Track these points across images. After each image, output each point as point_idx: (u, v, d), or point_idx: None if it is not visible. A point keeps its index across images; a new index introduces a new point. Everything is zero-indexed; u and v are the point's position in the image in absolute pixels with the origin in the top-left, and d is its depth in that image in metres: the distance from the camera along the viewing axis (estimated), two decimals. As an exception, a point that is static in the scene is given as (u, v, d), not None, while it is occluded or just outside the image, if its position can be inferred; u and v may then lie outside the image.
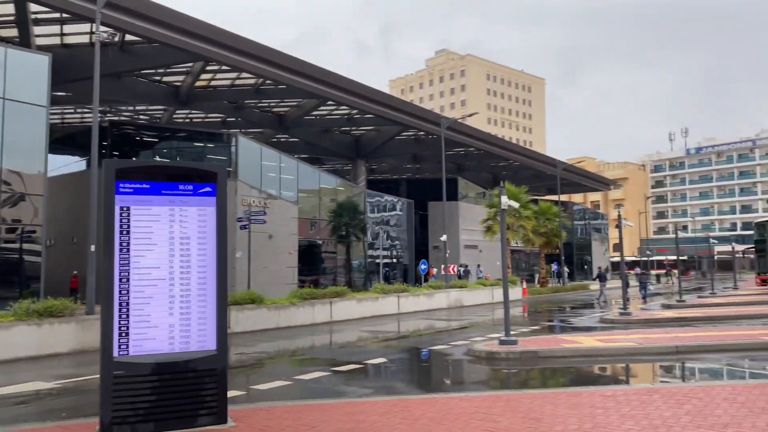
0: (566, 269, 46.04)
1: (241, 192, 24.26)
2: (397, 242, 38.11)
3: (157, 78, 28.54)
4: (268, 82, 28.27)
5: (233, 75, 27.94)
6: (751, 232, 56.27)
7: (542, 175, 51.09)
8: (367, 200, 35.32)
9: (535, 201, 42.07)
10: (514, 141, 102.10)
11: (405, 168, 50.39)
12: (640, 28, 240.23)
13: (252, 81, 28.73)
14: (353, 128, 37.98)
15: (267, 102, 32.75)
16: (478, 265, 39.13)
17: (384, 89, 62.87)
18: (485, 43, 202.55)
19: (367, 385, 9.84)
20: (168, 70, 27.36)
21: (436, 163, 44.84)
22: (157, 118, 34.52)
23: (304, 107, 33.18)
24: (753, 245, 43.69)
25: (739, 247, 53.99)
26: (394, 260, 37.48)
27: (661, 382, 10.33)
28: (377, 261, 33.11)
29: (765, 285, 36.44)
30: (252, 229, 21.97)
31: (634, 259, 68.88)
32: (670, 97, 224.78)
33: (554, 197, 49.86)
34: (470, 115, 40.19)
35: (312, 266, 30.40)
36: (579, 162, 66.66)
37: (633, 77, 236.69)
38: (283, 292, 21.72)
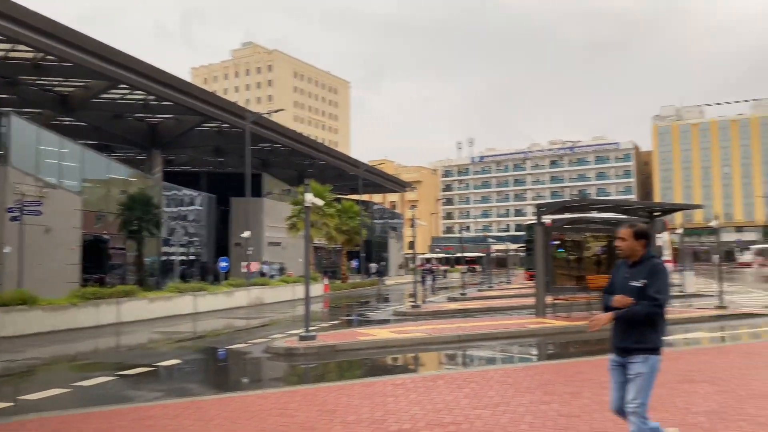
0: (375, 265, 47.83)
1: (12, 179, 21.30)
2: (195, 239, 36.49)
3: None
4: (50, 57, 25.25)
5: (6, 46, 24.48)
6: (523, 233, 63.65)
7: (346, 175, 52.64)
8: (163, 193, 33.26)
9: (339, 200, 43.22)
10: (320, 140, 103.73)
11: (206, 161, 48.42)
12: (437, 43, 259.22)
13: (30, 55, 25.45)
14: (149, 115, 35.52)
15: (48, 80, 29.22)
16: (277, 263, 38.98)
17: (186, 77, 59.73)
18: (293, 40, 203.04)
19: (158, 389, 9.29)
20: None
21: (240, 158, 43.73)
22: None
23: (92, 89, 30.18)
24: (523, 244, 49.64)
25: (512, 246, 60.90)
26: (192, 258, 35.84)
27: (446, 369, 11.25)
28: (173, 258, 31.38)
29: (532, 279, 41.53)
30: (26, 221, 19.44)
31: (439, 256, 73.71)
32: (459, 108, 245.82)
33: (356, 197, 51.68)
34: (276, 111, 39.88)
35: (98, 263, 27.75)
36: (379, 164, 69.93)
37: (430, 88, 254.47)
38: (63, 292, 19.52)
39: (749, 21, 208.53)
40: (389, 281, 43.10)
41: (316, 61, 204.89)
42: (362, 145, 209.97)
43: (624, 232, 4.32)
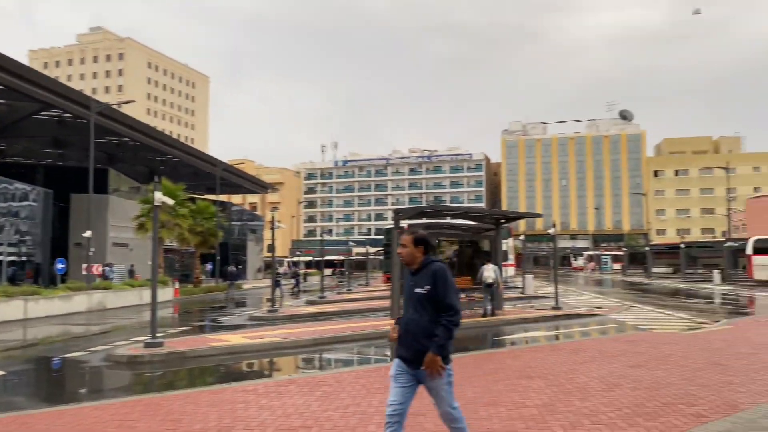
0: (232, 268, 46.22)
1: None
2: (28, 237, 33.05)
3: None
4: None
5: None
6: (382, 237, 65.19)
7: (202, 174, 50.55)
8: (-9, 186, 29.82)
9: (193, 199, 41.40)
10: (175, 136, 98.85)
11: (44, 153, 44.10)
12: (300, 43, 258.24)
13: None
14: (-23, 99, 31.66)
15: None
16: (126, 265, 36.52)
17: (23, 60, 54.05)
18: (148, 30, 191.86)
19: (-25, 405, 8.27)
20: None
21: (83, 151, 40.37)
22: None
23: None
24: (382, 248, 50.87)
25: (372, 250, 62.11)
26: (24, 258, 32.44)
27: (300, 373, 11.18)
28: (0, 259, 28.20)
29: (389, 282, 42.67)
30: None
31: (306, 259, 72.97)
32: (324, 111, 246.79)
33: (213, 197, 49.83)
34: (126, 103, 37.39)
35: None
36: (239, 164, 68.10)
37: (294, 88, 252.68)
38: None
39: (589, 47, 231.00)
40: (246, 285, 41.96)
41: (173, 52, 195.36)
42: (222, 143, 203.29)
43: (405, 238, 4.29)
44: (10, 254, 29.93)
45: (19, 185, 32.67)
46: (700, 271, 54.94)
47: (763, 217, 78.35)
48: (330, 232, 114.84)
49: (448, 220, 26.78)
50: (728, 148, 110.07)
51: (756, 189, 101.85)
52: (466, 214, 19.64)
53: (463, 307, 19.28)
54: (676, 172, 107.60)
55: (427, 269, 4.22)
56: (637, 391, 7.58)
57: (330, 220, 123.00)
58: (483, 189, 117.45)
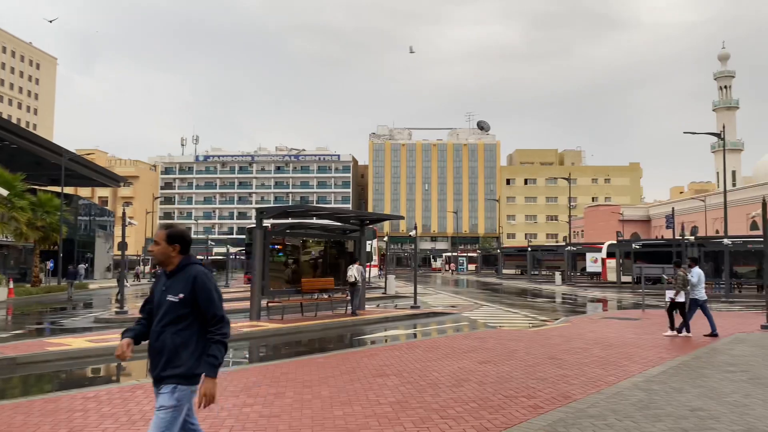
0: (83, 266, 42.55)
1: None
2: None
3: None
4: None
5: None
6: (244, 236, 63.56)
7: (45, 163, 46.11)
8: None
9: (34, 191, 37.70)
10: (14, 120, 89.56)
11: None
12: (162, 31, 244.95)
13: None
14: None
15: None
16: None
17: None
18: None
19: None
20: None
21: None
22: None
23: None
24: (244, 248, 49.62)
25: (234, 250, 60.41)
26: None
27: (148, 378, 10.53)
28: None
29: (250, 282, 41.74)
30: None
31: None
32: (184, 104, 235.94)
33: (57, 189, 45.72)
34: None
35: None
36: (89, 154, 63.20)
37: (152, 78, 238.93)
38: None
39: (453, 59, 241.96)
40: (94, 285, 38.87)
41: (14, 29, 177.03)
42: (70, 132, 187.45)
43: (158, 234, 3.71)
44: None
45: None
46: (544, 272, 59.70)
47: (598, 224, 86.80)
48: (189, 230, 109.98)
49: (314, 221, 26.76)
50: (571, 161, 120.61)
51: (594, 198, 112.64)
52: (332, 214, 19.72)
53: (326, 308, 19.41)
54: (526, 181, 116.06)
55: (185, 273, 3.63)
56: (484, 386, 8.04)
57: (189, 217, 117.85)
58: (350, 190, 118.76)
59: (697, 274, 13.60)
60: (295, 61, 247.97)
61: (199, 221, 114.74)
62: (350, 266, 19.69)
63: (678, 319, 13.90)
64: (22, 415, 6.50)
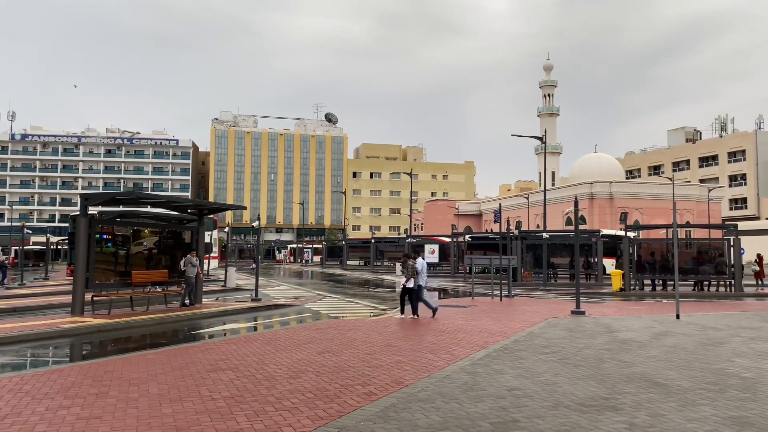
0: None
1: None
2: None
3: None
4: None
5: None
6: (68, 224, 58.15)
7: None
8: None
9: None
10: None
11: None
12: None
13: None
14: None
15: None
16: None
17: None
18: None
19: None
20: None
21: None
22: None
23: None
24: (67, 237, 45.33)
25: (55, 239, 55.00)
26: None
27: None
28: None
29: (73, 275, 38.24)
30: None
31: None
32: None
33: None
34: None
35: None
36: None
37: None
38: None
39: (301, 50, 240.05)
40: None
41: None
42: None
43: None
44: None
45: None
46: (386, 263, 61.70)
47: (436, 218, 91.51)
48: (1, 216, 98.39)
49: (148, 209, 25.15)
50: (413, 157, 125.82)
51: (433, 193, 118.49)
52: (167, 203, 18.61)
53: (159, 302, 18.39)
54: (371, 175, 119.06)
55: None
56: (321, 376, 8.11)
57: (2, 202, 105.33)
58: (189, 178, 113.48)
59: (420, 264, 15.75)
60: (131, 38, 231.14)
61: (14, 207, 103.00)
62: (184, 258, 18.91)
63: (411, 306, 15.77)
64: None
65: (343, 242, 72.63)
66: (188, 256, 18.98)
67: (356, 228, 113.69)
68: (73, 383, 7.68)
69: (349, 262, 65.39)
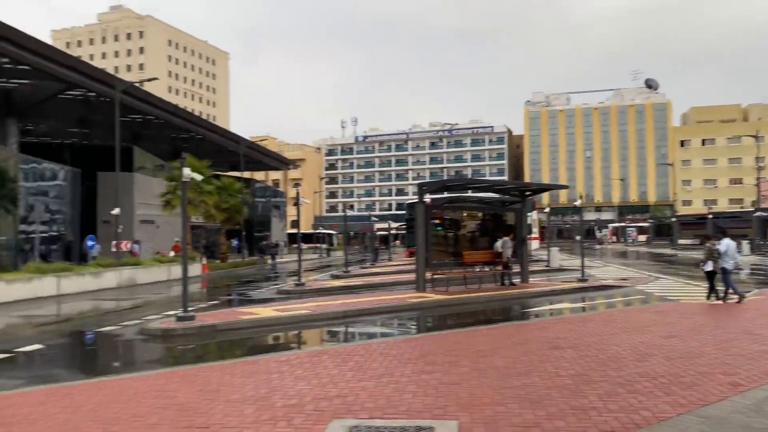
0: (282, 243, 46.31)
1: None
2: (58, 216, 33.63)
3: None
4: None
5: None
6: (404, 212, 65.17)
7: (225, 151, 50.80)
8: (21, 166, 30.28)
9: (218, 176, 41.70)
10: (197, 113, 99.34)
11: (70, 132, 44.60)
12: (314, 19, 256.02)
13: None
14: (4, 80, 32.03)
15: None
16: (139, 242, 36.79)
17: (46, 41, 54.52)
18: (165, 6, 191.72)
19: (18, 376, 8.53)
20: None
21: (108, 130, 40.66)
22: None
23: (-68, 46, 26.66)
24: (404, 223, 50.90)
25: (394, 225, 62.19)
26: (55, 236, 33.07)
27: (330, 344, 11.30)
28: (33, 237, 28.80)
29: (412, 256, 42.71)
30: None
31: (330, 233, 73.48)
32: (342, 87, 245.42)
33: (237, 174, 50.12)
34: (150, 80, 37.39)
35: (-59, 243, 24.91)
36: (262, 140, 68.30)
37: (310, 65, 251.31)
38: None
39: (607, 17, 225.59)
40: (268, 260, 42.17)
41: (191, 30, 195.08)
42: (241, 120, 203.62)
43: None
44: (42, 232, 30.53)
45: (47, 165, 33.18)
46: (729, 242, 53.92)
47: (794, 187, 76.49)
48: (352, 207, 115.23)
49: (470, 194, 26.65)
50: (758, 116, 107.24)
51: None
52: (491, 186, 19.49)
53: (487, 281, 19.31)
54: (703, 142, 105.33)
55: None
56: (672, 361, 7.53)
57: (351, 195, 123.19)
58: (505, 162, 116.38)
59: (726, 245, 14.26)
60: (440, 38, 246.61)
61: (361, 199, 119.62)
62: (500, 239, 19.45)
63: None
64: (228, 376, 7.29)
65: (673, 219, 66.00)
66: (505, 237, 19.50)
67: (686, 203, 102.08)
68: (429, 351, 8.60)
69: (680, 241, 59.20)
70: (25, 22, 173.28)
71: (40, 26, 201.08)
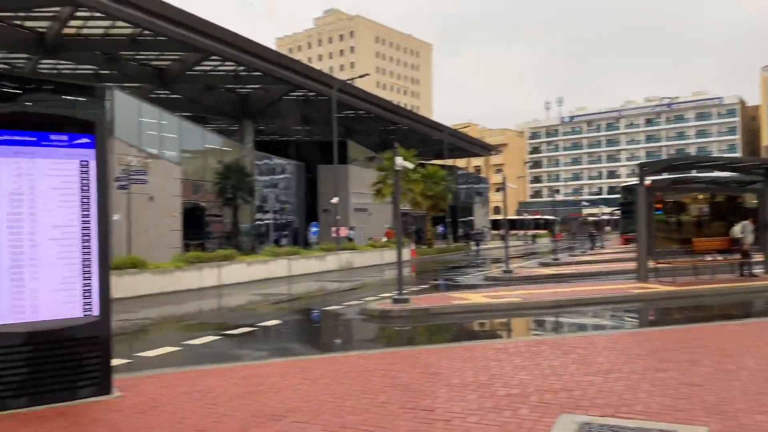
0: (486, 229, 47.09)
1: (118, 150, 22.53)
2: (286, 205, 37.47)
3: (18, 22, 25.62)
4: (146, 32, 26.28)
5: (107, 23, 25.70)
6: (615, 195, 61.05)
7: (429, 140, 52.12)
8: (255, 162, 34.28)
9: (423, 165, 42.94)
10: (402, 105, 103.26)
11: (294, 130, 49.37)
12: (513, 2, 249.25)
13: (128, 31, 26.59)
14: (240, 86, 36.43)
15: (145, 54, 30.51)
16: (354, 228, 39.12)
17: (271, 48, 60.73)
18: (372, 5, 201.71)
19: (262, 348, 9.60)
20: (30, 14, 24.63)
21: (325, 126, 44.19)
22: (20, 67, 31.12)
23: (186, 61, 31.26)
24: (619, 207, 47.56)
25: (606, 210, 58.49)
26: (284, 223, 36.89)
27: (547, 334, 10.93)
28: (266, 224, 32.40)
29: (628, 244, 39.69)
30: (132, 190, 20.57)
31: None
32: (545, 69, 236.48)
33: (440, 161, 51.12)
34: (362, 76, 39.85)
35: (197, 230, 29.18)
36: (464, 128, 68.80)
37: (510, 48, 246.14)
38: (167, 257, 20.63)
39: None
40: (473, 246, 42.39)
41: (395, 24, 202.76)
42: (443, 109, 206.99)
43: None
44: (273, 220, 34.22)
45: (277, 160, 37.11)
46: None
47: None
48: (558, 192, 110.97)
49: (695, 174, 23.93)
50: None
51: None
52: (728, 164, 17.20)
53: (722, 271, 17.18)
54: None
55: None
56: None
57: (557, 179, 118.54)
58: (737, 137, 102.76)
59: None
60: (645, 6, 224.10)
61: (567, 183, 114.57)
62: (738, 224, 17.01)
63: None
64: (446, 360, 7.38)
65: None
66: (744, 222, 17.06)
67: None
68: (660, 347, 7.85)
69: None
70: (253, 33, 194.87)
71: (266, 35, 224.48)
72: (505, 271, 20.72)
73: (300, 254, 24.82)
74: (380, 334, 11.31)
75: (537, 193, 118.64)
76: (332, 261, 26.19)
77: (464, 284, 19.61)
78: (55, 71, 32.11)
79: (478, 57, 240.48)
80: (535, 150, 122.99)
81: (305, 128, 47.84)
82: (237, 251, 23.48)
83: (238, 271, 20.74)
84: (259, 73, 32.30)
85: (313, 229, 31.14)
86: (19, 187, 5.64)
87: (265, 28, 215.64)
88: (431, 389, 5.99)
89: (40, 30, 26.23)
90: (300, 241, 34.50)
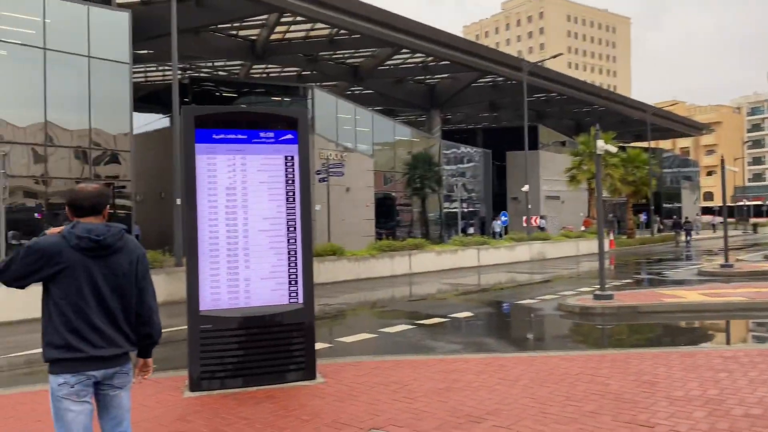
0: (698, 219, 43.19)
1: (318, 145, 24.06)
2: (473, 194, 37.19)
3: (234, 32, 28.49)
4: (341, 32, 27.63)
5: (307, 26, 27.47)
6: None
7: (628, 121, 48.24)
8: (443, 151, 34.45)
9: (622, 148, 39.81)
10: (596, 85, 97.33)
11: (480, 117, 48.82)
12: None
13: (326, 32, 28.16)
14: (428, 77, 36.85)
15: (341, 53, 32.16)
16: (545, 217, 37.36)
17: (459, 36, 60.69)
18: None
19: (455, 341, 9.43)
20: (243, 24, 27.21)
21: (513, 111, 43.03)
22: (236, 73, 34.70)
23: (378, 57, 32.38)
24: None
25: None
26: (471, 212, 36.67)
27: (782, 341, 9.35)
28: (454, 213, 32.41)
29: None
30: (330, 182, 21.83)
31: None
32: (757, 36, 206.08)
33: (642, 144, 47.08)
34: (554, 57, 37.94)
35: (388, 219, 30.18)
36: (669, 106, 62.67)
37: (717, 17, 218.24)
38: (361, 245, 21.58)
39: None
40: (681, 237, 38.29)
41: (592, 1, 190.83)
42: (643, 87, 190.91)
43: None
44: (461, 209, 34.17)
45: (464, 148, 36.97)
46: None
47: None
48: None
49: None
50: None
51: None
52: None
53: None
54: None
55: None
56: None
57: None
58: None
59: None
60: None
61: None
62: None
63: None
64: (663, 367, 6.55)
65: None
66: None
67: None
68: None
69: None
70: (440, 23, 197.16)
71: (453, 24, 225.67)
72: (723, 266, 18.32)
73: (489, 244, 24.40)
74: (581, 333, 10.55)
75: (757, 176, 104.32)
76: (523, 251, 25.37)
77: (673, 279, 17.73)
78: (264, 75, 35.27)
79: (682, 29, 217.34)
80: (756, 127, 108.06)
81: (492, 115, 47.07)
82: (426, 240, 23.78)
83: (428, 259, 20.96)
84: (447, 62, 32.32)
85: (503, 219, 30.49)
86: (233, 182, 6.07)
87: (452, 18, 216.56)
88: (648, 401, 5.31)
89: (251, 38, 28.88)
90: (487, 230, 34.05)
